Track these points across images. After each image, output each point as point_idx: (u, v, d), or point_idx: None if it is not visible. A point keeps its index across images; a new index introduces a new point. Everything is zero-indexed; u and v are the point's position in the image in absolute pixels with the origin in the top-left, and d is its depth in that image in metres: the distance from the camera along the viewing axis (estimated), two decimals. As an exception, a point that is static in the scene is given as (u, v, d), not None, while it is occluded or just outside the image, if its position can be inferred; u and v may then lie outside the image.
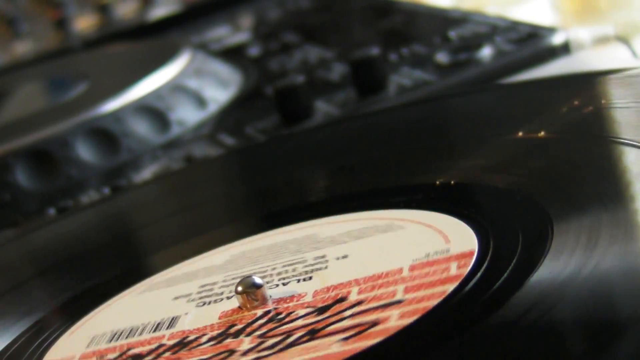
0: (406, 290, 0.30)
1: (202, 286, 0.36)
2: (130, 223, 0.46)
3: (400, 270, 0.31)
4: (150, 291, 0.37)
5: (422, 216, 0.35)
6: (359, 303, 0.30)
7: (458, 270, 0.30)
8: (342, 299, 0.31)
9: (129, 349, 0.33)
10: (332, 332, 0.29)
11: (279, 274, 0.34)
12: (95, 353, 0.33)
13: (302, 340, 0.29)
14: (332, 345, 0.28)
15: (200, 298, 0.35)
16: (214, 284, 0.35)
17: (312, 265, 0.34)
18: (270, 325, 0.31)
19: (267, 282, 0.34)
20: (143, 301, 0.36)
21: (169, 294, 0.36)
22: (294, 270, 0.34)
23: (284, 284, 0.33)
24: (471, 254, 0.31)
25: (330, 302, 0.31)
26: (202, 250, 0.39)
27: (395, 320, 0.28)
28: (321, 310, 0.30)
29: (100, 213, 0.48)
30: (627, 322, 0.24)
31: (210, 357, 0.30)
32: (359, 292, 0.31)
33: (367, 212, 0.37)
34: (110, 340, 0.34)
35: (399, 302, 0.29)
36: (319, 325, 0.29)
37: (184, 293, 0.36)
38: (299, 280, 0.33)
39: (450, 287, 0.29)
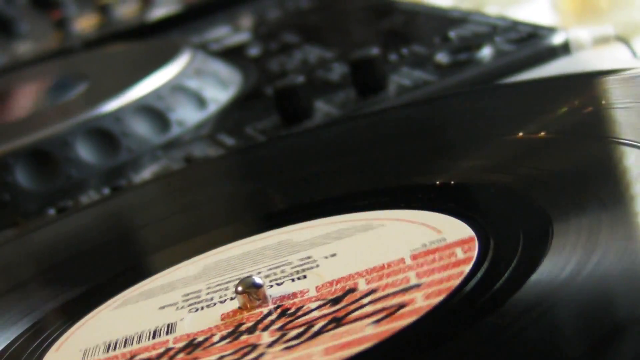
0: (419, 276, 0.30)
1: (186, 295, 0.35)
2: (130, 223, 0.46)
3: (403, 260, 0.31)
4: (127, 305, 0.36)
5: (400, 214, 0.35)
6: (373, 291, 0.30)
7: (465, 254, 0.30)
8: (352, 290, 0.31)
9: (134, 356, 0.32)
10: (358, 318, 0.29)
11: (267, 276, 0.34)
12: None
13: (328, 328, 0.29)
14: (365, 328, 0.28)
15: (190, 305, 0.34)
16: (199, 291, 0.35)
17: (300, 265, 0.34)
18: (285, 320, 0.31)
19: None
20: (124, 314, 0.36)
21: (151, 305, 0.35)
22: (282, 272, 0.34)
23: (278, 284, 0.33)
24: (471, 239, 0.31)
25: (340, 293, 0.31)
26: (202, 250, 0.39)
27: (422, 301, 0.28)
28: (334, 302, 0.30)
29: (100, 213, 0.48)
30: (626, 322, 0.24)
31: (233, 353, 0.30)
32: (368, 282, 0.31)
33: (339, 216, 0.37)
34: (107, 351, 0.33)
35: (417, 285, 0.29)
36: (340, 314, 0.29)
37: (168, 302, 0.35)
38: (293, 280, 0.33)
39: (466, 268, 0.29)
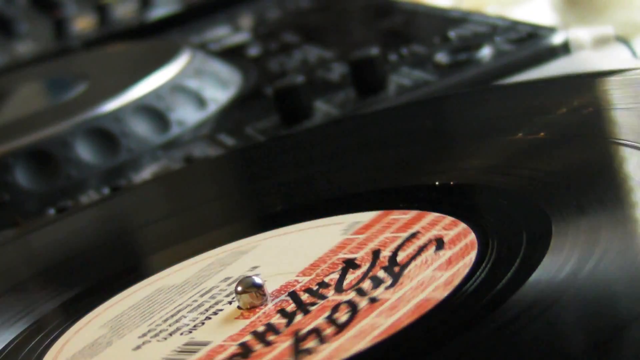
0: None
1: (150, 325, 0.34)
2: (130, 223, 0.46)
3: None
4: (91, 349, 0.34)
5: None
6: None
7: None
8: (377, 252, 0.32)
9: None
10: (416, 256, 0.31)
11: (213, 299, 0.34)
12: None
13: (428, 249, 0.31)
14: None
15: (179, 328, 0.33)
16: (164, 320, 0.34)
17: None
18: (309, 300, 0.31)
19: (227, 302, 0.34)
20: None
21: (127, 343, 0.33)
22: (227, 293, 0.34)
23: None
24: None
25: (368, 258, 0.32)
26: (200, 251, 0.39)
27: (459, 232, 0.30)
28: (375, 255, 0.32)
29: (100, 213, 0.48)
30: (626, 322, 0.24)
31: (339, 304, 0.31)
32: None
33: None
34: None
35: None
36: (408, 256, 0.31)
37: (145, 332, 0.34)
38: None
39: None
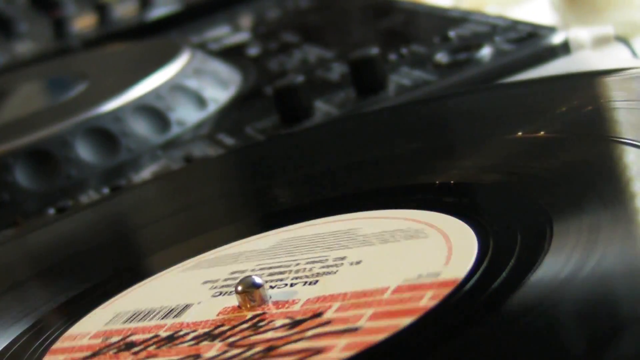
0: (371, 317, 0.29)
1: (233, 273, 0.36)
2: (130, 223, 0.46)
3: (385, 291, 0.31)
4: (192, 270, 0.37)
5: (450, 224, 0.34)
6: (327, 323, 0.30)
7: (427, 302, 0.29)
8: (319, 314, 0.31)
9: (130, 334, 0.33)
10: (282, 354, 0.29)
11: (296, 271, 0.34)
12: (105, 333, 0.34)
13: (256, 357, 0.29)
14: None
15: (221, 287, 0.35)
16: (243, 271, 0.36)
17: (327, 267, 0.34)
18: (246, 333, 0.31)
19: (281, 279, 0.34)
20: (179, 280, 0.37)
21: (202, 276, 0.36)
22: (310, 270, 0.34)
23: (291, 285, 0.33)
24: (453, 283, 0.30)
25: (308, 315, 0.31)
26: (202, 251, 0.39)
27: (337, 352, 0.28)
28: (294, 325, 0.30)
29: (100, 213, 0.48)
30: (626, 322, 0.24)
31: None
32: (337, 310, 0.31)
33: (407, 211, 0.36)
34: (126, 321, 0.34)
35: (355, 329, 0.29)
36: (279, 343, 0.30)
37: (213, 278, 0.36)
38: (304, 283, 0.33)
39: (404, 322, 0.28)
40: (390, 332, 0.28)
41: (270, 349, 0.29)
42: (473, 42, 0.57)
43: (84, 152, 0.57)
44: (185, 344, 0.31)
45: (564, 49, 0.55)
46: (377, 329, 0.29)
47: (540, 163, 0.36)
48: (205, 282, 0.36)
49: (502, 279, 0.28)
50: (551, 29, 0.56)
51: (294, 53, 0.69)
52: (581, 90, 0.41)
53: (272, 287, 0.33)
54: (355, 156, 0.44)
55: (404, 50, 0.60)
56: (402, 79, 0.56)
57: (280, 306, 0.32)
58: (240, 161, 0.51)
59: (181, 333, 0.32)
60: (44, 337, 0.35)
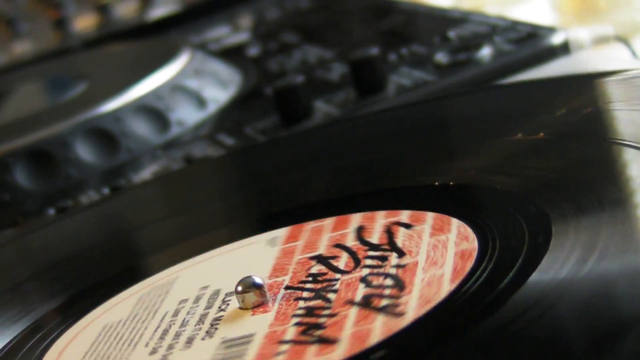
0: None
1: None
2: (130, 223, 0.46)
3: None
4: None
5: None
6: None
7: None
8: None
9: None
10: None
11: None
12: None
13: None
14: None
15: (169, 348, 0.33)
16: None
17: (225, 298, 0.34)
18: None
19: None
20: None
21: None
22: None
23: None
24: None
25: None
26: (201, 251, 0.39)
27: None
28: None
29: (100, 213, 0.48)
30: (626, 322, 0.24)
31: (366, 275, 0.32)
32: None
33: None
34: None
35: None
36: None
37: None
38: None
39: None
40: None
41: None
42: (473, 43, 0.57)
43: (84, 152, 0.57)
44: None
45: (564, 49, 0.55)
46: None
47: (539, 164, 0.36)
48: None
49: (503, 280, 0.28)
50: (551, 29, 0.56)
51: (294, 53, 0.69)
52: (581, 92, 0.41)
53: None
54: (354, 157, 0.44)
55: (404, 51, 0.60)
56: (402, 79, 0.56)
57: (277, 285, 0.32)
58: (240, 161, 0.51)
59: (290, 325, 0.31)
60: (44, 337, 0.35)
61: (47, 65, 0.81)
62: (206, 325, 0.33)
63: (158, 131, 0.59)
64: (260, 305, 0.32)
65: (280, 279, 0.34)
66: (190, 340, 0.32)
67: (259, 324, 0.31)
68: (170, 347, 0.32)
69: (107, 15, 0.96)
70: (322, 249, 0.35)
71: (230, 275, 0.34)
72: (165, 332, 0.33)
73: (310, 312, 0.31)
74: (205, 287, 0.35)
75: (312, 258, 0.35)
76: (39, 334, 0.36)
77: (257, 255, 0.37)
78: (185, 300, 0.35)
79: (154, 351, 0.32)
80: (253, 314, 0.32)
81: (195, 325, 0.33)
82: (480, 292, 0.29)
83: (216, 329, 0.32)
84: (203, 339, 0.32)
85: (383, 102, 0.54)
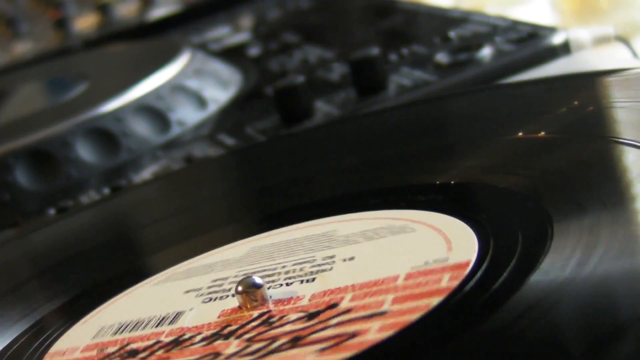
0: (394, 301, 0.30)
1: (214, 281, 0.36)
2: (130, 223, 0.46)
3: (397, 278, 0.31)
4: (166, 282, 0.37)
5: (435, 219, 0.34)
6: (348, 311, 0.30)
7: (448, 283, 0.30)
8: (334, 305, 0.31)
9: (128, 344, 0.33)
10: (313, 341, 0.29)
11: (286, 272, 0.34)
12: (97, 345, 0.33)
13: (284, 347, 0.29)
14: (307, 355, 0.28)
15: (209, 294, 0.35)
16: (225, 279, 0.35)
17: (319, 265, 0.34)
18: (261, 329, 0.31)
19: (273, 281, 0.34)
20: (157, 293, 0.36)
21: (182, 286, 0.36)
22: (301, 269, 0.34)
23: (287, 284, 0.33)
24: (467, 264, 0.30)
25: (322, 307, 0.31)
26: (202, 251, 0.39)
27: (373, 333, 0.28)
28: (311, 316, 0.30)
29: (100, 213, 0.48)
30: (627, 323, 0.24)
31: (197, 359, 0.30)
32: (351, 299, 0.31)
33: (384, 211, 0.37)
34: (115, 333, 0.34)
35: (383, 313, 0.29)
36: (304, 333, 0.29)
37: (195, 287, 0.36)
38: (302, 282, 0.33)
39: (435, 301, 0.29)
40: (423, 312, 0.28)
41: (296, 339, 0.29)
42: (473, 43, 0.57)
43: (85, 152, 0.57)
44: (197, 345, 0.31)
45: (564, 49, 0.55)
46: (407, 310, 0.29)
47: (540, 163, 0.36)
48: (188, 292, 0.35)
49: (503, 280, 0.28)
50: (551, 29, 0.56)
51: (294, 53, 0.69)
52: (581, 91, 0.41)
53: (267, 288, 0.33)
54: (354, 157, 0.44)
55: (404, 51, 0.60)
56: (402, 79, 0.56)
57: (284, 303, 0.32)
58: (240, 161, 0.51)
59: (186, 336, 0.32)
60: (44, 337, 0.35)
61: (48, 65, 0.81)
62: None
63: (158, 131, 0.59)
64: (260, 305, 0.32)
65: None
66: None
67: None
68: None
69: (108, 15, 0.96)
70: None
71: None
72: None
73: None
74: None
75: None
76: (40, 334, 0.36)
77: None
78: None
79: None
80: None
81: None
82: (480, 292, 0.29)
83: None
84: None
85: (383, 102, 0.54)
